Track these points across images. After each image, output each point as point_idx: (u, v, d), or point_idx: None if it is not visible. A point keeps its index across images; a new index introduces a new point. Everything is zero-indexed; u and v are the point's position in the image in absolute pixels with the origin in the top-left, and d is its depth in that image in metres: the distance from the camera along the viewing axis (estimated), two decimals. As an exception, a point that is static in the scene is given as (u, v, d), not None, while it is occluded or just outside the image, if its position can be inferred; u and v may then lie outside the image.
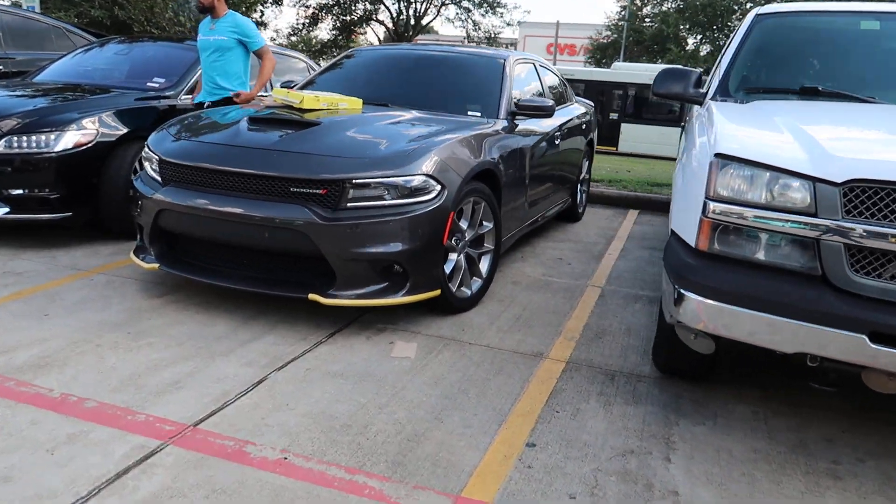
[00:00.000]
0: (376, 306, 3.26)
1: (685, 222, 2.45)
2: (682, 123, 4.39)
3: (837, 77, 3.21)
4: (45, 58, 6.30)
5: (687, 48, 42.55)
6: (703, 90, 3.52)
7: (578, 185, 6.07)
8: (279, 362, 2.88)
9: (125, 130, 4.49)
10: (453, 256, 3.47)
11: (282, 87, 5.03)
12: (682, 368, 2.88)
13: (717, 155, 2.29)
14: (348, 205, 3.06)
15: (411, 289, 3.18)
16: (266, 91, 6.01)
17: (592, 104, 6.78)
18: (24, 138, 4.13)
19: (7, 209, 4.16)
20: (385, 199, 3.09)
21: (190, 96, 5.14)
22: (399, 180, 3.10)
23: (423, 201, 3.15)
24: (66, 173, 4.21)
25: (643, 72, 21.10)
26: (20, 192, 4.16)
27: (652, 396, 2.80)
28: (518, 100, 4.33)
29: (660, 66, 23.62)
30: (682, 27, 38.08)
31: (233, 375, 2.74)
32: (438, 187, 3.20)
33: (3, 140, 4.10)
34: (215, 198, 3.16)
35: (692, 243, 2.35)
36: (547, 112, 4.24)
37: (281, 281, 3.20)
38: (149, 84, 5.10)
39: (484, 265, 3.75)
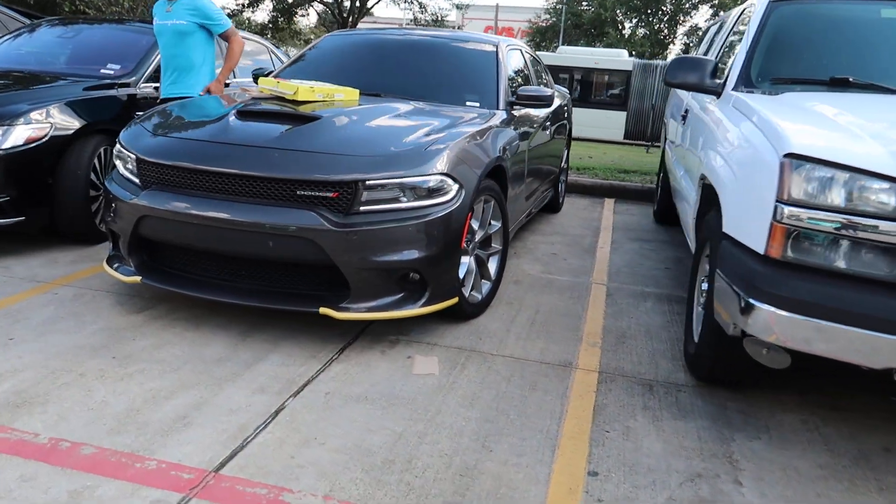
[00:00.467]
0: (392, 319, 2.98)
1: (746, 226, 2.28)
2: (684, 114, 4.25)
3: (863, 67, 3.10)
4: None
5: (624, 32, 43.24)
6: (721, 80, 3.37)
7: (560, 175, 5.91)
8: (293, 386, 2.59)
9: (82, 123, 4.03)
10: (465, 260, 3.23)
11: (253, 74, 4.66)
12: (729, 379, 2.73)
13: (790, 155, 2.12)
14: (361, 208, 2.77)
15: (430, 298, 2.93)
16: (230, 77, 5.59)
17: (568, 91, 6.61)
18: (-34, 134, 3.64)
19: (-51, 215, 3.67)
20: (401, 202, 2.82)
21: (152, 84, 4.69)
22: (416, 180, 2.83)
23: (442, 203, 2.89)
24: (16, 173, 3.74)
25: (588, 56, 21.18)
26: (-36, 195, 3.67)
27: (697, 408, 2.64)
28: (516, 89, 4.10)
29: (604, 51, 23.80)
30: (618, 11, 38.63)
31: (245, 405, 2.43)
32: (456, 187, 2.95)
33: (-59, 136, 3.61)
34: (207, 203, 2.81)
35: (760, 250, 2.18)
36: (546, 102, 4.03)
37: (286, 294, 2.88)
38: (103, 71, 4.62)
39: (492, 267, 3.52)
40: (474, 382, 2.73)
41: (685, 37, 48.57)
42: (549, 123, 4.88)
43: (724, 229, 2.44)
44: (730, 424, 2.53)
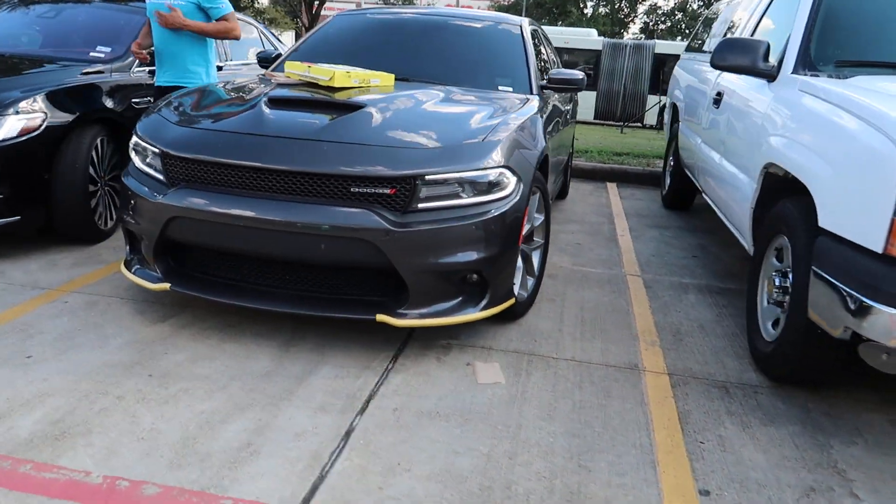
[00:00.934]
0: (452, 324, 2.76)
1: (855, 222, 2.14)
2: (717, 97, 4.10)
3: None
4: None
5: (585, 11, 43.30)
6: (774, 63, 3.23)
7: (568, 160, 5.74)
8: (357, 402, 2.37)
9: (78, 112, 3.68)
10: (515, 256, 3.03)
11: (258, 57, 4.35)
12: (810, 379, 2.61)
13: (913, 146, 1.97)
14: (419, 206, 2.55)
15: (490, 301, 2.73)
16: (222, 60, 5.24)
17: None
18: (-47, 126, 3.28)
19: (-64, 216, 3.31)
20: (461, 198, 2.60)
21: (144, 69, 4.34)
22: (476, 174, 2.62)
23: (502, 198, 2.68)
24: (11, 168, 3.39)
25: (558, 35, 21.01)
26: (-48, 194, 3.32)
27: (781, 412, 2.51)
28: (545, 71, 3.89)
29: (573, 30, 23.68)
30: (579, -10, 38.63)
31: (311, 428, 2.20)
32: (514, 180, 2.74)
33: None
34: (249, 203, 2.54)
35: (877, 248, 2.04)
36: (578, 85, 3.83)
37: (337, 300, 2.65)
38: (92, 54, 4.25)
39: (535, 262, 3.33)
40: (545, 391, 2.55)
41: (645, 16, 48.95)
42: (568, 107, 4.70)
43: (822, 224, 2.29)
44: (821, 429, 2.41)
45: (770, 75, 3.20)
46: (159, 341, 2.74)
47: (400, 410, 2.34)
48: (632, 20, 49.40)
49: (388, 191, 2.51)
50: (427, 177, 2.53)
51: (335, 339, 2.82)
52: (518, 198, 2.73)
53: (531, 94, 3.67)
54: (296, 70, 3.25)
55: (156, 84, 4.13)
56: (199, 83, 4.03)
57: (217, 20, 4.07)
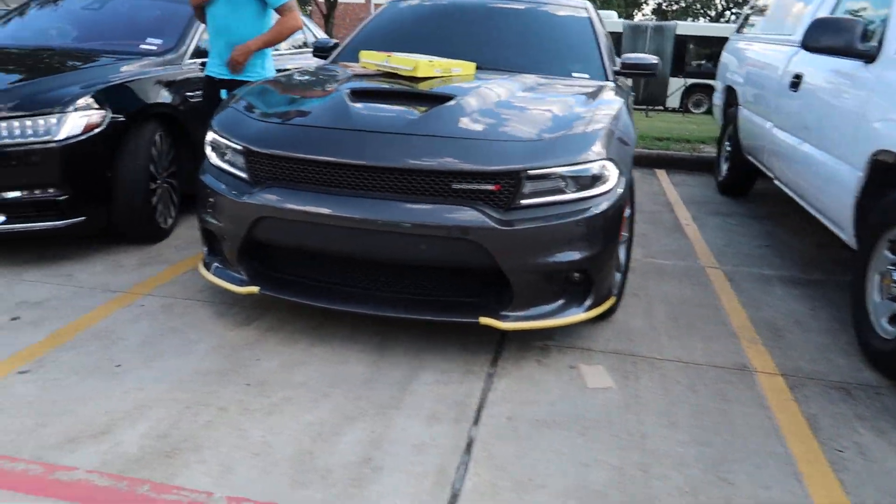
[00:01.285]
0: (555, 327, 2.62)
1: None
2: (795, 80, 3.92)
3: None
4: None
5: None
6: (874, 43, 3.06)
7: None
8: (468, 411, 2.25)
9: (138, 107, 3.56)
10: (607, 252, 2.89)
11: (315, 47, 4.19)
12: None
13: None
14: (522, 202, 2.41)
15: (595, 301, 2.60)
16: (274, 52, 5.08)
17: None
18: (17, 124, 3.16)
19: (2, 219, 3.20)
20: (565, 193, 2.46)
21: (197, 60, 4.20)
22: (580, 168, 2.48)
23: (604, 192, 2.53)
24: (74, 166, 3.28)
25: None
26: (17, 195, 3.20)
27: (910, 414, 2.38)
28: (622, 58, 3.74)
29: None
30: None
31: (430, 439, 2.08)
32: (616, 173, 2.59)
33: (-15, 128, 3.12)
34: (344, 202, 2.41)
35: None
36: (653, 70, 3.68)
37: (436, 302, 2.52)
38: (142, 46, 4.12)
39: (622, 257, 3.18)
40: (658, 395, 2.42)
41: (659, -5, 48.17)
42: (633, 93, 4.54)
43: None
44: (959, 433, 2.28)
45: (867, 56, 3.03)
46: (246, 346, 2.63)
47: (514, 419, 2.22)
48: (645, 1, 48.78)
49: (492, 187, 2.37)
50: (531, 171, 2.39)
51: (428, 342, 2.70)
52: (621, 190, 2.59)
53: (606, 80, 3.51)
54: (373, 59, 3.10)
55: (206, 73, 3.95)
56: (255, 76, 3.87)
57: (276, 9, 3.86)
